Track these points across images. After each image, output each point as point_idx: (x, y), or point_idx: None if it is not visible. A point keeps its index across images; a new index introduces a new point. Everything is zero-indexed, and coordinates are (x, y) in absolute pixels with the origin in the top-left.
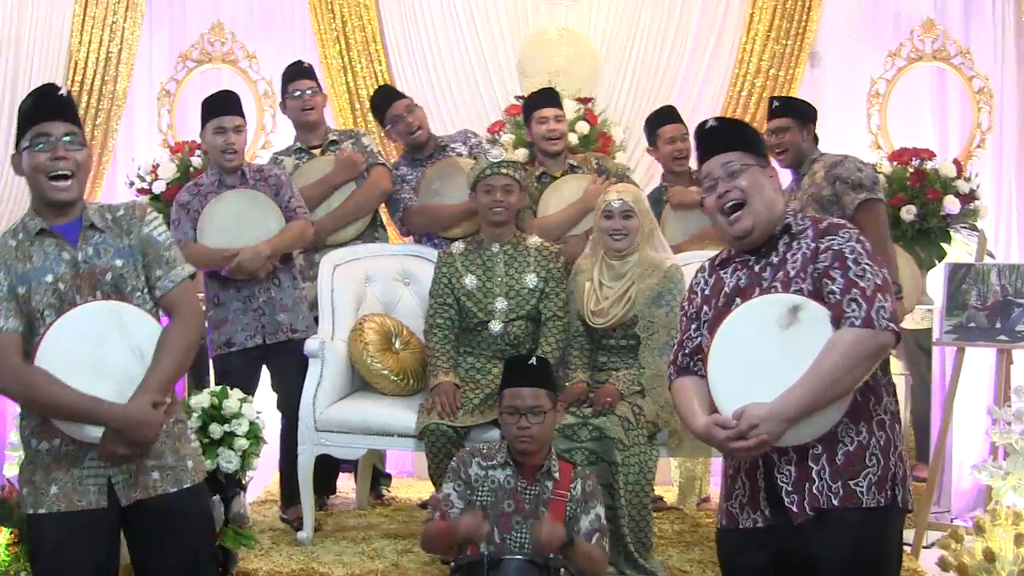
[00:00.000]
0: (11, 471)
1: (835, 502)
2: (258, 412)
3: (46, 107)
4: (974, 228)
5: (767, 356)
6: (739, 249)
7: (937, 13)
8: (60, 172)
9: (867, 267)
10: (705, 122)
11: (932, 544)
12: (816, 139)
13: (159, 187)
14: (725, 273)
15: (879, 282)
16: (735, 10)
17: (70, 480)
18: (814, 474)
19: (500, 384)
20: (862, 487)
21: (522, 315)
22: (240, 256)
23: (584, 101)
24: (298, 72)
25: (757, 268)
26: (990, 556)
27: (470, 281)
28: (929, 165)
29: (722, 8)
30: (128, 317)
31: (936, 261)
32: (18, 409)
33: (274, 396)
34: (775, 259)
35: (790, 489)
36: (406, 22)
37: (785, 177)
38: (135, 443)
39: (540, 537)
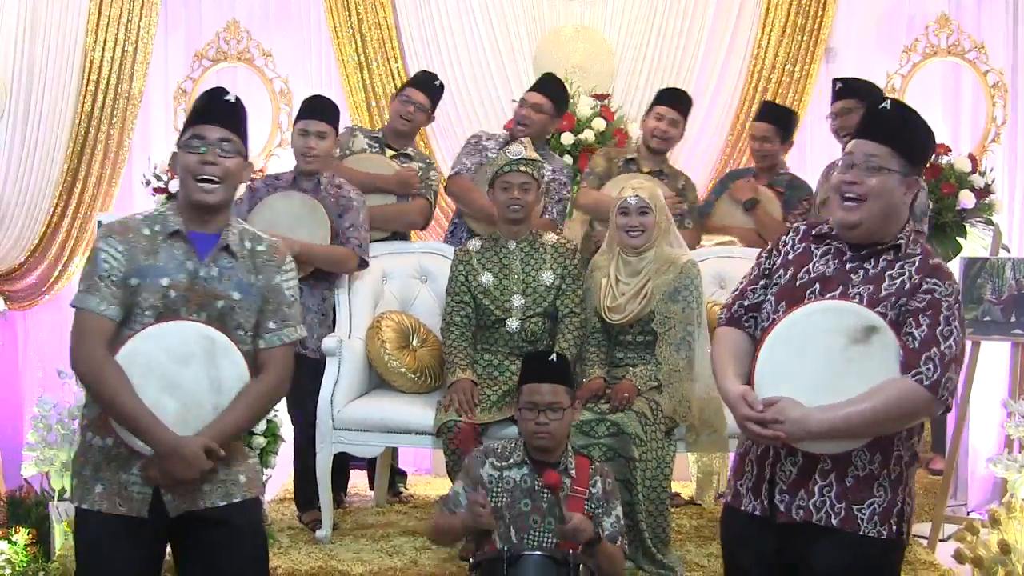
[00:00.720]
0: (28, 472)
1: (834, 522)
2: (275, 411)
3: (207, 110)
4: (989, 222)
5: (823, 361)
6: (840, 235)
7: (951, 8)
8: (207, 176)
9: (955, 330)
10: (880, 100)
11: (948, 537)
12: None
13: (175, 186)
14: (816, 249)
15: (956, 352)
16: (750, 6)
17: (116, 483)
18: (817, 487)
19: (519, 380)
20: (864, 514)
21: (539, 312)
22: None
23: (600, 98)
24: (420, 83)
25: (848, 266)
26: (1006, 548)
27: (487, 279)
28: (944, 160)
29: (737, 4)
30: (221, 349)
31: (952, 255)
32: (36, 410)
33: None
34: (871, 269)
35: (784, 487)
36: (422, 19)
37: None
38: (170, 476)
39: (568, 527)
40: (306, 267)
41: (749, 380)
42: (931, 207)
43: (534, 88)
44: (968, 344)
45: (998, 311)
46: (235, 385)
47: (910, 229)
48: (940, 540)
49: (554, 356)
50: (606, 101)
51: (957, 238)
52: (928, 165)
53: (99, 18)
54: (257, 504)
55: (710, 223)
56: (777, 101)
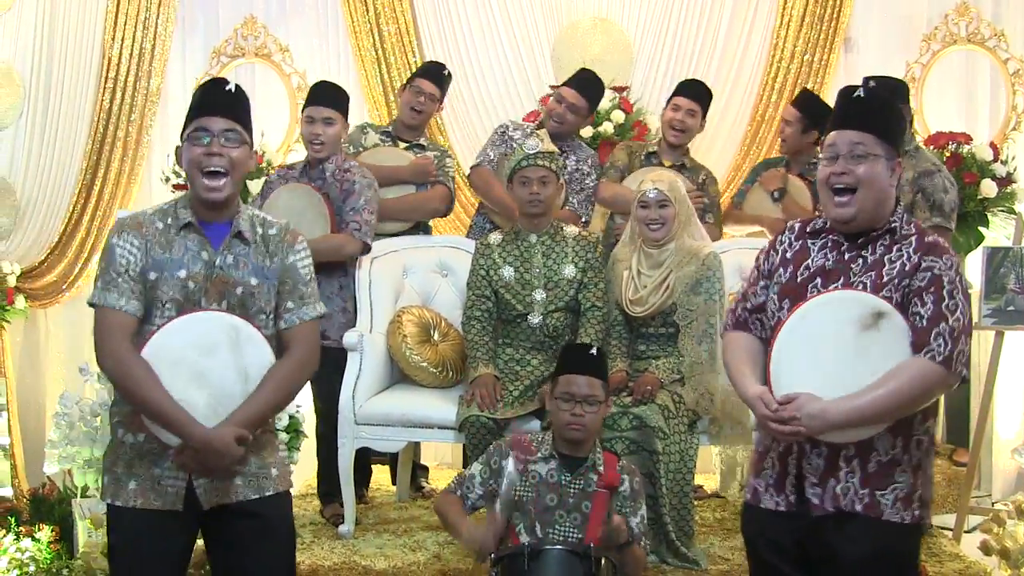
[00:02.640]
0: (51, 469)
1: (858, 508)
2: (298, 406)
3: (209, 101)
4: (1012, 211)
5: (836, 351)
6: (835, 228)
7: None
8: (213, 168)
9: (960, 303)
10: (854, 88)
11: (973, 528)
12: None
13: None
14: (813, 245)
15: (965, 323)
16: None
17: (149, 478)
18: (842, 474)
19: (555, 370)
20: (887, 499)
21: (561, 306)
22: None
23: (619, 90)
24: (429, 73)
25: (847, 256)
26: None
27: (508, 273)
28: (965, 149)
29: None
30: (245, 337)
31: (974, 245)
32: (58, 408)
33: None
34: (870, 256)
35: (815, 481)
36: (440, 13)
37: None
38: (207, 467)
39: (611, 528)
40: None
41: (765, 381)
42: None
43: (574, 86)
44: (992, 334)
45: (1022, 300)
46: (261, 371)
47: (901, 210)
48: (965, 531)
49: (594, 350)
50: (625, 93)
51: (979, 227)
52: (949, 154)
53: (117, 16)
54: (287, 497)
55: (742, 213)
56: (796, 91)
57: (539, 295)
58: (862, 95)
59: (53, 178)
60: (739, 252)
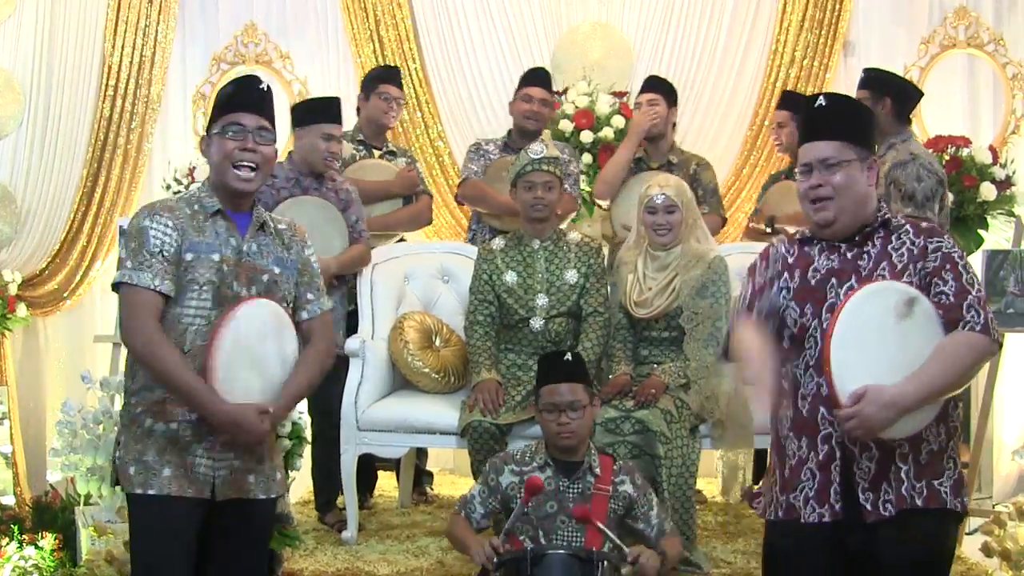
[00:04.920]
0: (54, 477)
1: (918, 502)
2: (300, 413)
3: (245, 98)
4: (1011, 214)
5: (884, 344)
6: (823, 237)
7: (970, 0)
8: (246, 163)
9: (974, 276)
10: (815, 98)
11: (975, 531)
12: (898, 114)
13: (194, 190)
14: (811, 250)
15: (984, 294)
16: (768, 0)
17: (183, 466)
18: (899, 474)
19: (536, 382)
20: (945, 488)
21: (563, 311)
22: None
23: (619, 95)
24: (392, 76)
25: (850, 255)
26: None
27: (511, 278)
28: (965, 152)
29: None
30: (285, 324)
31: (973, 248)
32: (61, 416)
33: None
34: (872, 249)
35: (866, 486)
36: (439, 20)
37: None
38: (236, 444)
39: (639, 564)
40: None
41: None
42: (952, 200)
43: (534, 83)
44: None
45: (1022, 303)
46: (294, 358)
47: (884, 205)
48: (966, 534)
49: (568, 355)
50: (625, 98)
51: (979, 230)
52: (948, 158)
53: (117, 23)
54: (277, 503)
55: (776, 218)
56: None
57: (541, 300)
58: (824, 103)
59: (54, 186)
60: (745, 255)
